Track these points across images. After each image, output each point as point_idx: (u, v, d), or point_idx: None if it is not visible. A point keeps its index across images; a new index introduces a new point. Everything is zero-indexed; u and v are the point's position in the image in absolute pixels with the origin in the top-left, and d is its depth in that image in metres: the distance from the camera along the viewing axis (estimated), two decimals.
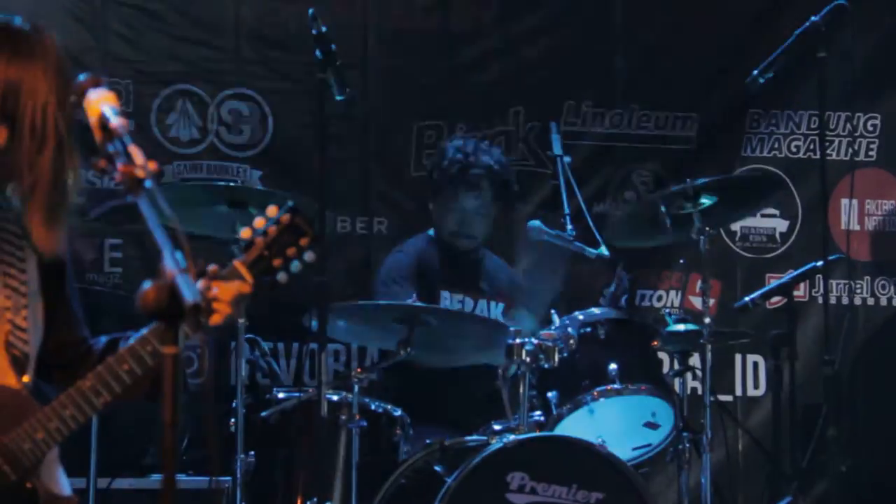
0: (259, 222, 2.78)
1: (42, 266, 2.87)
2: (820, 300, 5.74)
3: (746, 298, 5.51)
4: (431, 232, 5.53)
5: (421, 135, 6.20)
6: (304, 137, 5.98)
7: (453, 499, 4.26)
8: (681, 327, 4.85)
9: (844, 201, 6.42)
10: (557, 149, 5.37)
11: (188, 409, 4.59)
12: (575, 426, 4.65)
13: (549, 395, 4.71)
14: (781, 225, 6.51)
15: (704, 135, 6.46)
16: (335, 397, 4.50)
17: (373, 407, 4.64)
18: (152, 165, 2.28)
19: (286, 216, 2.78)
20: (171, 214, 2.17)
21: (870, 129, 6.60)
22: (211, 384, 4.60)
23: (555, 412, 4.67)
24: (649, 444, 4.84)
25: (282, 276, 2.78)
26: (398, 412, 4.68)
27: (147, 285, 2.04)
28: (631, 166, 6.42)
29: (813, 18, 4.84)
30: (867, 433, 6.29)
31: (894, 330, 6.49)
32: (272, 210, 2.80)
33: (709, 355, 4.81)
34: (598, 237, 5.04)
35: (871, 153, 6.60)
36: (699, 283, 4.95)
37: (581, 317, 4.82)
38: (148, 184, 2.24)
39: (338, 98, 4.41)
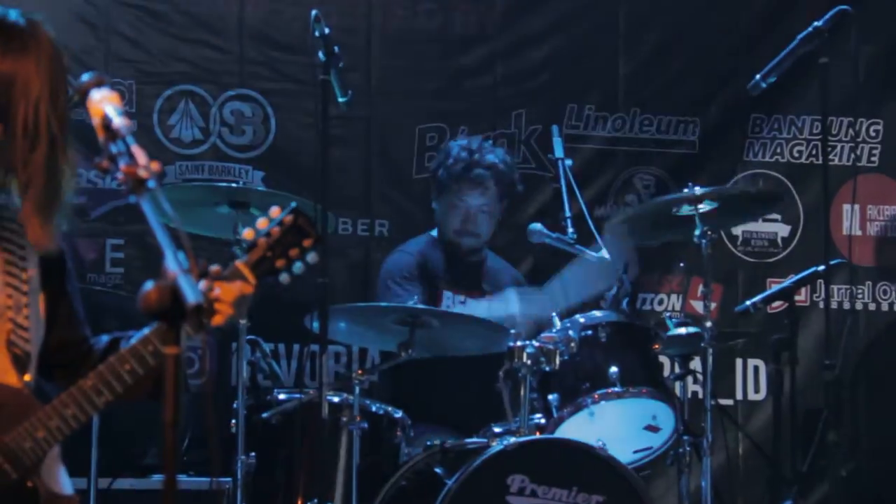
0: (262, 223, 2.78)
1: (43, 264, 2.86)
2: (821, 305, 5.74)
3: (748, 302, 5.50)
4: (434, 232, 5.53)
5: (423, 137, 6.20)
6: (306, 139, 5.97)
7: (454, 501, 4.26)
8: (682, 331, 4.84)
9: (846, 206, 6.41)
10: (559, 152, 5.37)
11: (189, 409, 4.58)
12: (575, 429, 4.64)
13: (550, 397, 4.70)
14: (783, 229, 6.51)
15: (706, 139, 6.45)
16: (336, 399, 4.51)
17: (374, 409, 4.64)
18: (155, 166, 2.28)
19: (289, 217, 2.77)
20: (174, 215, 2.17)
21: (872, 134, 6.60)
22: (212, 385, 4.60)
23: (555, 415, 4.66)
24: (650, 448, 4.83)
25: (284, 278, 2.77)
26: (399, 414, 4.69)
27: (149, 285, 2.04)
28: (633, 170, 6.42)
29: (816, 23, 4.83)
30: (868, 438, 6.29)
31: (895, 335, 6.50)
32: (275, 211, 2.79)
33: (710, 359, 4.80)
34: (598, 240, 5.04)
35: (873, 159, 6.60)
36: (700, 286, 4.94)
37: (582, 319, 4.80)
38: (150, 184, 2.24)
39: (340, 100, 4.42)
